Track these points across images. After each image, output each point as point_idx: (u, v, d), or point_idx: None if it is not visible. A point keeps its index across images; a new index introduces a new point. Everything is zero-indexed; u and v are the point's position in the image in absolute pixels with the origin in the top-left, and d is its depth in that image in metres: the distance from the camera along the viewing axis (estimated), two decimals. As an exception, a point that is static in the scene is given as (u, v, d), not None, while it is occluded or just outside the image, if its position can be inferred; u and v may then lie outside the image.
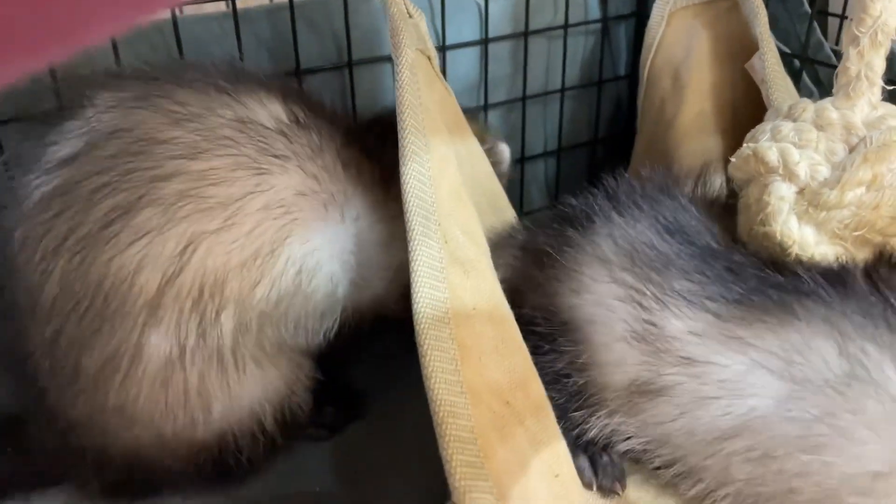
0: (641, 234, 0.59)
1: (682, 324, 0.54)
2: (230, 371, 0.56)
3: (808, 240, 0.60)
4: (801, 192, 0.61)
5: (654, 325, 0.54)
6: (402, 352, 0.66)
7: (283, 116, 0.59)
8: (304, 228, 0.58)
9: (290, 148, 0.58)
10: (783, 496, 0.50)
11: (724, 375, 0.51)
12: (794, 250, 0.59)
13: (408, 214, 0.52)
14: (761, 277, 0.55)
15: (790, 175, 0.60)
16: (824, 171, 0.60)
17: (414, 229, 0.51)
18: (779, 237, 0.60)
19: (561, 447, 0.49)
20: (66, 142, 0.54)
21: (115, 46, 0.65)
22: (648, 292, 0.55)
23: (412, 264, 0.50)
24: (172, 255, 0.53)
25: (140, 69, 0.61)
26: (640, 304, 0.55)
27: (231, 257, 0.55)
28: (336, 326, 0.63)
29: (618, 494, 0.56)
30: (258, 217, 0.56)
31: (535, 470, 0.45)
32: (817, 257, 0.59)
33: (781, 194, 0.61)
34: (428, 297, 0.48)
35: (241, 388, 0.57)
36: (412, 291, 0.49)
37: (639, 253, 0.58)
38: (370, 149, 0.64)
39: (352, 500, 0.60)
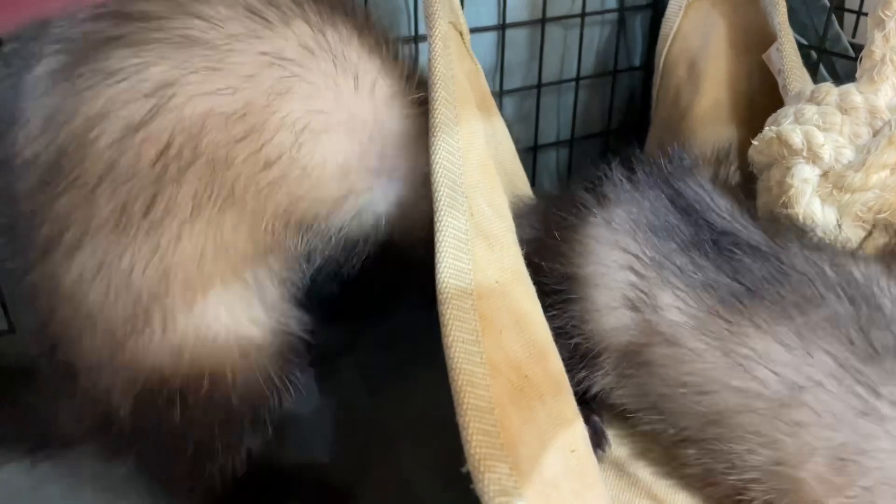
0: (651, 205, 0.60)
1: (670, 298, 0.54)
2: (180, 262, 0.49)
3: (830, 222, 0.60)
4: (824, 174, 0.61)
5: (647, 295, 0.55)
6: (416, 330, 0.66)
7: None
8: (309, 86, 0.51)
9: (297, 7, 0.52)
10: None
11: (702, 364, 0.52)
12: (817, 232, 0.59)
13: (435, 185, 0.52)
14: (765, 267, 0.54)
15: (814, 157, 0.61)
16: (849, 154, 0.60)
17: (441, 200, 0.51)
18: (801, 219, 0.60)
19: (578, 425, 0.49)
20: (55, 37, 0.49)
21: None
22: (648, 261, 0.56)
23: (437, 234, 0.50)
24: (144, 97, 0.46)
25: None
26: (639, 273, 0.56)
27: (215, 104, 0.47)
28: (339, 246, 0.55)
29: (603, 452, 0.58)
30: (254, 63, 0.49)
31: (551, 443, 0.45)
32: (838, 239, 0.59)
33: (805, 176, 0.61)
34: (452, 267, 0.49)
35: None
36: (436, 262, 0.49)
37: (646, 222, 0.58)
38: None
39: (361, 470, 0.60)
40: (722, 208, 0.61)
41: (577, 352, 0.57)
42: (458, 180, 0.52)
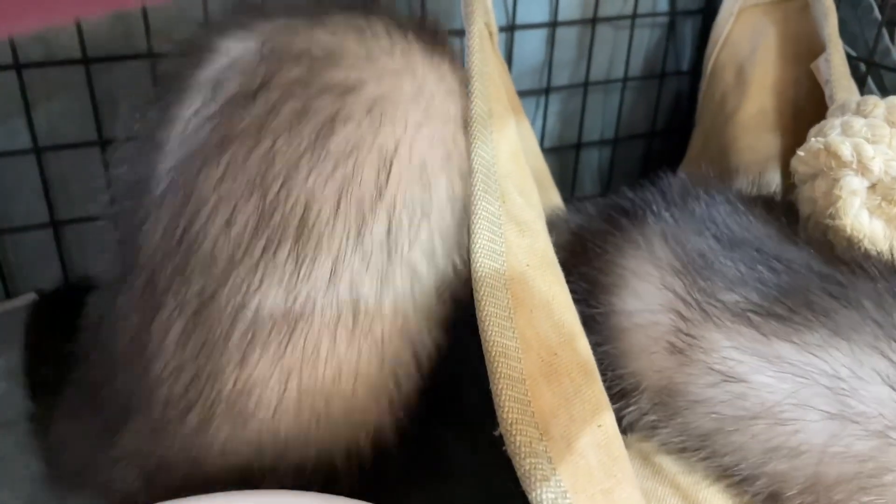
0: (691, 237, 0.58)
1: (724, 337, 0.52)
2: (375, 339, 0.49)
3: (878, 234, 0.60)
4: (872, 186, 0.61)
5: (693, 336, 0.53)
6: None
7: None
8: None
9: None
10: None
11: (764, 397, 0.50)
12: (864, 244, 0.60)
13: (472, 172, 0.54)
14: (815, 287, 0.52)
15: (863, 170, 0.61)
16: (897, 167, 0.61)
17: (476, 185, 0.53)
18: (849, 231, 0.60)
19: (605, 404, 0.50)
20: (224, 78, 0.48)
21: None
22: (692, 300, 0.54)
23: (473, 217, 0.52)
24: (376, 167, 0.48)
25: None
26: (682, 315, 0.54)
27: (434, 151, 0.51)
28: None
29: None
30: (447, 101, 0.53)
31: (579, 417, 0.47)
32: (886, 252, 0.60)
33: (853, 188, 0.61)
34: (486, 248, 0.51)
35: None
36: (470, 242, 0.51)
37: (688, 256, 0.56)
38: None
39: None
40: (767, 233, 0.60)
41: (610, 391, 0.54)
42: (492, 168, 0.54)
